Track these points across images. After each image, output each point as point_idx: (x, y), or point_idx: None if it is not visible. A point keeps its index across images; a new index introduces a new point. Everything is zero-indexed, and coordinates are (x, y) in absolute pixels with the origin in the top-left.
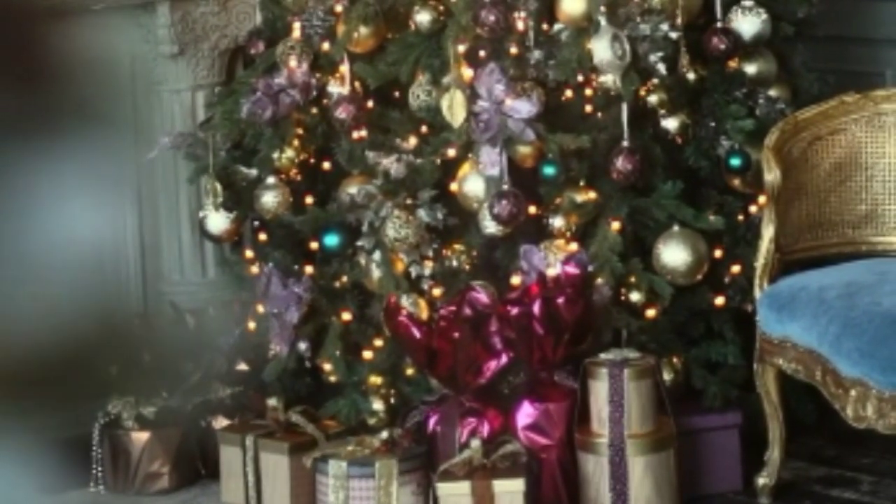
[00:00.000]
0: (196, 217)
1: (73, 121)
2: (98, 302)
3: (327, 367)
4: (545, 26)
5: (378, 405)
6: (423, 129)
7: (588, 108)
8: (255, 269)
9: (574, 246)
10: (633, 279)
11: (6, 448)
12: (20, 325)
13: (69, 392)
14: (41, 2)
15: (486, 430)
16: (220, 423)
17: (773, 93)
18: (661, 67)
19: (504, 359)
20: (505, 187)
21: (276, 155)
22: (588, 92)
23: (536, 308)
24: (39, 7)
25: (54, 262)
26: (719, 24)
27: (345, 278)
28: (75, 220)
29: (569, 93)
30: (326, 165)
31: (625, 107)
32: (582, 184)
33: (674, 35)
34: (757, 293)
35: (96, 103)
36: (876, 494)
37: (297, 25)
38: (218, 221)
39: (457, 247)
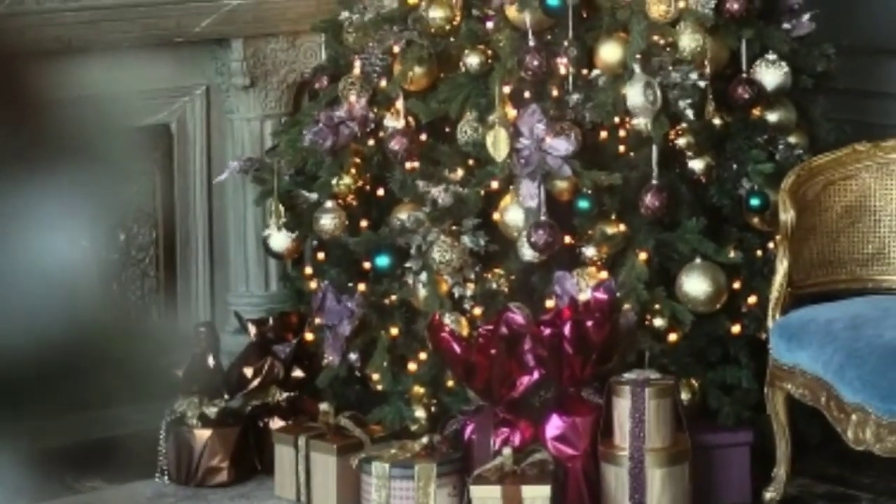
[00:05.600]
0: (261, 235)
1: (58, 156)
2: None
3: (375, 376)
4: (584, 72)
5: (420, 413)
6: (470, 162)
7: (621, 148)
8: (312, 284)
9: (604, 274)
10: (657, 306)
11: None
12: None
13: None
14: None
15: (517, 439)
16: (276, 424)
17: (792, 140)
18: (690, 113)
19: (536, 375)
20: (542, 218)
21: (334, 181)
22: (622, 133)
23: (567, 330)
24: (21, 46)
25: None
26: (744, 75)
27: (394, 296)
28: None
29: (604, 133)
30: (380, 192)
31: (655, 148)
32: (613, 217)
33: (702, 84)
34: (770, 323)
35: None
36: None
37: (357, 63)
38: (280, 240)
39: (497, 271)
